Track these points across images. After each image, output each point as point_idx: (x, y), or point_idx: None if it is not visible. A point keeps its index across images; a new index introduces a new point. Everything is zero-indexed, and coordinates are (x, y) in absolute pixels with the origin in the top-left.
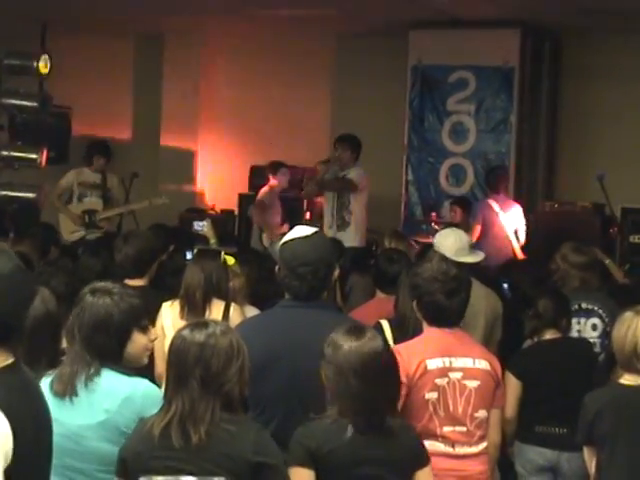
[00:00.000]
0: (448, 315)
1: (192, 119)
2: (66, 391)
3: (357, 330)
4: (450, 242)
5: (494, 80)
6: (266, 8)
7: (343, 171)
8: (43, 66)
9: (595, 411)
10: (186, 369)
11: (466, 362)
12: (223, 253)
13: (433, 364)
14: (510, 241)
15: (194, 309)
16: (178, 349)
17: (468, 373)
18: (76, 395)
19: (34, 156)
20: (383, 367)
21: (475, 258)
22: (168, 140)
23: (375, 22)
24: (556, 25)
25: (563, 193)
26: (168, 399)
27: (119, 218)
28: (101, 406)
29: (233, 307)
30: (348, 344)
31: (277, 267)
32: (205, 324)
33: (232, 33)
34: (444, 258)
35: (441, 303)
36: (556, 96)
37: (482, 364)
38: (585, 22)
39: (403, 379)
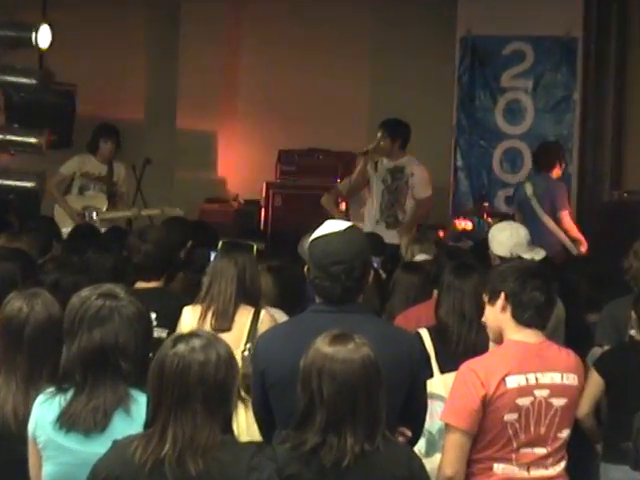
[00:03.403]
0: (546, 314)
1: (212, 98)
2: (98, 425)
3: (343, 337)
4: (505, 236)
5: (554, 52)
6: None
7: (392, 162)
8: (43, 38)
9: None
10: (188, 391)
11: (554, 377)
12: (255, 247)
13: (514, 382)
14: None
15: (223, 314)
16: (175, 369)
17: (555, 390)
18: (108, 425)
19: (33, 140)
20: (368, 378)
21: (534, 255)
22: (185, 122)
23: None
24: None
25: (633, 181)
26: (162, 427)
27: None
28: (124, 433)
29: (264, 314)
30: (330, 352)
31: (306, 267)
32: (195, 335)
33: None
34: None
35: (537, 300)
36: (625, 70)
37: (571, 379)
38: None
39: (478, 401)
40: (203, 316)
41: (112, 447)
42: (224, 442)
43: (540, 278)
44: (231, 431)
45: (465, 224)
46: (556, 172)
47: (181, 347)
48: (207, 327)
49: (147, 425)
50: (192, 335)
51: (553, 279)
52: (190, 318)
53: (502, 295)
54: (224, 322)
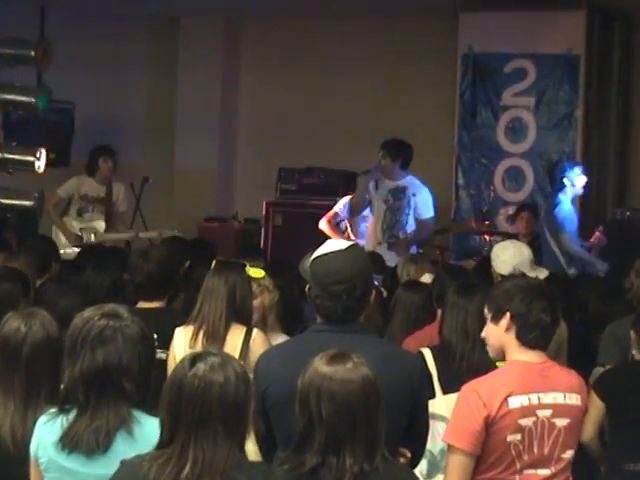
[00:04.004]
0: (549, 335)
1: (211, 116)
2: (100, 446)
3: (340, 357)
4: (508, 255)
5: (557, 69)
6: None
7: (394, 182)
8: (42, 56)
9: None
10: (209, 411)
11: (556, 397)
12: (248, 266)
13: (516, 402)
14: None
15: (214, 334)
16: (196, 389)
17: (558, 410)
18: (111, 446)
19: (31, 158)
20: (367, 398)
21: (538, 274)
22: (184, 139)
23: (420, 2)
24: (628, 5)
25: (637, 198)
26: (181, 447)
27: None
28: (127, 454)
29: (256, 333)
30: (328, 371)
31: (307, 286)
32: (210, 354)
33: (262, 16)
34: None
35: (543, 322)
36: (628, 87)
37: (573, 399)
38: None
39: (480, 422)
40: (195, 336)
41: (121, 468)
42: (240, 462)
43: (546, 299)
44: (244, 451)
45: None
46: None
47: (201, 367)
48: (198, 347)
49: (160, 445)
50: (208, 354)
51: (558, 299)
52: (182, 339)
53: (507, 315)
54: (215, 342)
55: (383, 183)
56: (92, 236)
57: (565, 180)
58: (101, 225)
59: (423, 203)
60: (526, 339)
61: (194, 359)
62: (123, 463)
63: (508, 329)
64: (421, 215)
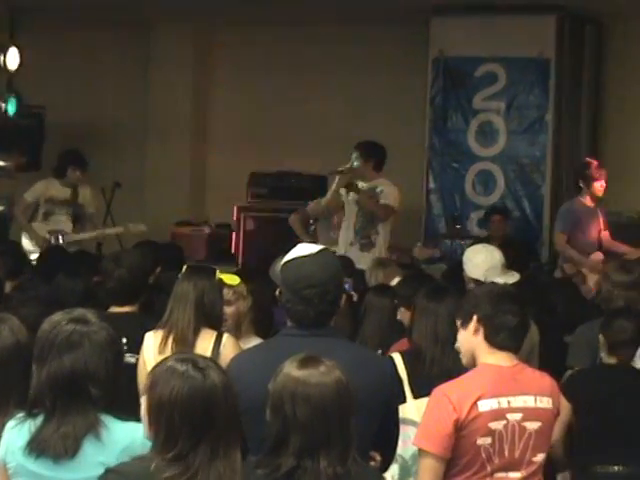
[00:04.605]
0: (519, 337)
1: (182, 120)
2: (68, 451)
3: (312, 360)
4: (480, 259)
5: (527, 73)
6: None
7: (366, 184)
8: (12, 60)
9: None
10: (212, 418)
11: (527, 401)
12: (222, 273)
13: (486, 405)
14: None
15: (183, 339)
16: (193, 396)
17: (528, 414)
18: (78, 451)
19: (2, 163)
20: (341, 401)
21: (507, 280)
22: (155, 144)
23: (390, 7)
24: (598, 10)
25: (608, 202)
26: (178, 454)
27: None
28: (95, 459)
29: (226, 338)
30: (302, 375)
31: (278, 290)
32: (192, 360)
33: (234, 21)
34: None
35: (510, 323)
36: (598, 91)
37: (544, 402)
38: (631, 5)
39: (450, 426)
40: (164, 341)
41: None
42: (230, 467)
43: (513, 301)
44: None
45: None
46: None
47: (193, 374)
48: (168, 352)
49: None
50: (190, 359)
51: (526, 302)
52: (152, 344)
53: (474, 318)
54: (184, 347)
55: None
56: (60, 238)
57: None
58: (68, 226)
59: (390, 194)
60: (495, 340)
61: (181, 363)
62: (108, 470)
63: (476, 331)
64: (385, 201)
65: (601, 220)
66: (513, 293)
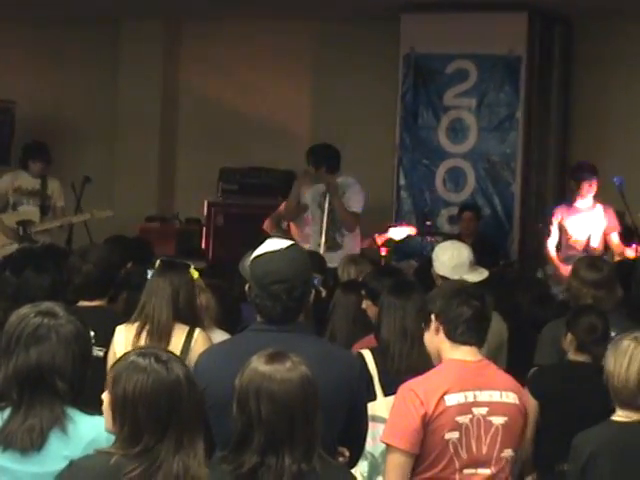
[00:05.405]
0: (478, 330)
1: (153, 115)
2: (34, 444)
3: (279, 356)
4: (447, 257)
5: (498, 71)
6: None
7: (324, 186)
8: None
9: (589, 454)
10: (176, 411)
11: (492, 395)
12: (192, 267)
13: (453, 399)
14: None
15: (158, 333)
16: (158, 390)
17: (494, 408)
18: (44, 444)
19: None
20: (306, 398)
21: (475, 277)
22: (125, 139)
23: (361, 3)
24: (568, 8)
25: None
26: (144, 448)
27: (66, 230)
28: (60, 453)
29: (198, 332)
30: (267, 371)
31: (247, 285)
32: (153, 354)
33: (202, 17)
34: None
35: (465, 314)
36: (568, 89)
37: (510, 397)
38: (601, 4)
39: (418, 421)
40: (138, 335)
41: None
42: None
43: (466, 294)
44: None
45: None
46: None
47: (157, 367)
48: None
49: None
50: (153, 353)
51: (483, 296)
52: (123, 337)
53: (432, 316)
54: (158, 341)
55: (315, 188)
56: (29, 228)
57: None
58: (37, 215)
59: (353, 197)
60: (454, 335)
61: (147, 357)
62: (72, 462)
63: (437, 330)
64: (350, 208)
65: (606, 221)
66: (469, 287)
